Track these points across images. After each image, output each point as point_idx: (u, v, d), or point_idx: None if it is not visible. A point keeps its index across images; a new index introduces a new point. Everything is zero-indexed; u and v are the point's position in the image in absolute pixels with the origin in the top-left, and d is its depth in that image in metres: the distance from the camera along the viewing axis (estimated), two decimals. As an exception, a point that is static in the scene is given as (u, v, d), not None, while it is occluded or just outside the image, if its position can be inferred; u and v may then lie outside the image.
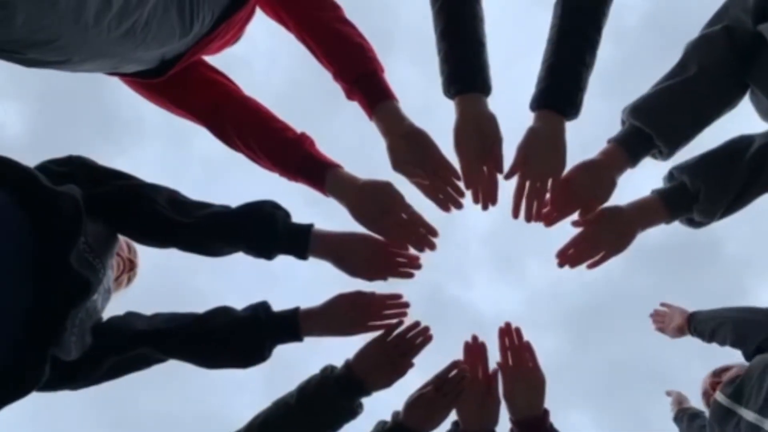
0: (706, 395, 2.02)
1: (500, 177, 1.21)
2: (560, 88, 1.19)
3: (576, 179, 1.20)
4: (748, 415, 1.65)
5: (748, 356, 1.86)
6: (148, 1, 0.98)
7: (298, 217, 1.26)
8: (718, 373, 2.01)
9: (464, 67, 1.20)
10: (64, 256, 0.68)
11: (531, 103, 1.22)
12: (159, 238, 1.22)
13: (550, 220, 1.23)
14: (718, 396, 1.83)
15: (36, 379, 0.75)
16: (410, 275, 1.27)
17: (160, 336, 1.20)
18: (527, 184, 1.19)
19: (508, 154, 1.21)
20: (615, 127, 1.26)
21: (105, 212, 1.08)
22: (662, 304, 2.31)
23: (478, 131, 1.18)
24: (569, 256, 1.24)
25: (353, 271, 1.25)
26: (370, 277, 1.26)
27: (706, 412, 2.03)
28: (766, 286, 5.01)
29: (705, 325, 2.06)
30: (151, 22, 1.01)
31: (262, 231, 1.19)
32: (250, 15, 1.29)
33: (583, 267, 1.25)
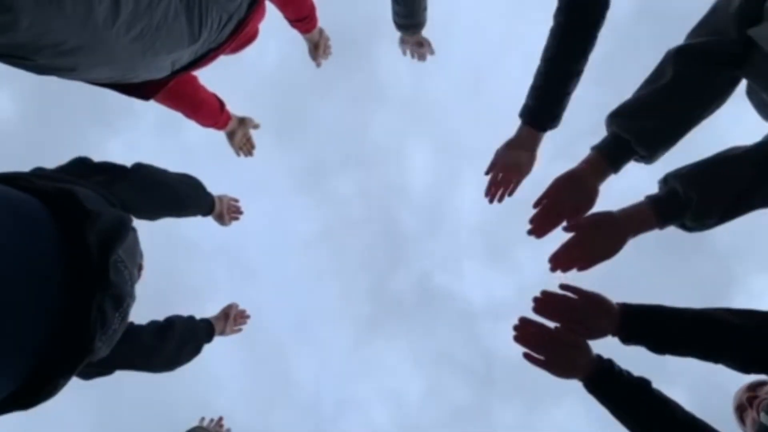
0: (740, 409, 1.89)
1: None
2: (541, 110, 1.42)
3: (559, 191, 1.26)
4: None
5: None
6: (157, 7, 0.97)
7: (292, 207, 1.25)
8: (754, 387, 1.79)
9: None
10: (102, 265, 0.67)
11: (519, 113, 1.46)
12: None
13: (539, 232, 1.29)
14: (765, 419, 1.61)
15: (51, 394, 0.76)
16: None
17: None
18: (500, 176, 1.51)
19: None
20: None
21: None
22: None
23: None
24: (561, 262, 1.27)
25: None
26: None
27: (739, 428, 1.92)
28: (755, 275, 5.05)
29: None
30: (161, 28, 1.01)
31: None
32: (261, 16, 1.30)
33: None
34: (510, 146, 1.50)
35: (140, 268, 1.38)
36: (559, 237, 1.26)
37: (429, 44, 2.13)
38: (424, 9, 1.94)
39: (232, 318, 2.10)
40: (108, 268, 0.64)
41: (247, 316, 2.20)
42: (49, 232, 0.61)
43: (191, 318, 1.93)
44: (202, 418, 2.20)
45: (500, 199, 1.54)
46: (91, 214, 0.64)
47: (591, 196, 1.24)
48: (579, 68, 1.37)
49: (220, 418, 2.22)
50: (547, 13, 1.34)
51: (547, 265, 1.28)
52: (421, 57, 2.18)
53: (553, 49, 1.36)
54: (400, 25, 2.00)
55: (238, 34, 1.20)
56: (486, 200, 1.55)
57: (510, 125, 1.38)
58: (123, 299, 0.72)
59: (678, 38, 1.25)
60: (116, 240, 0.68)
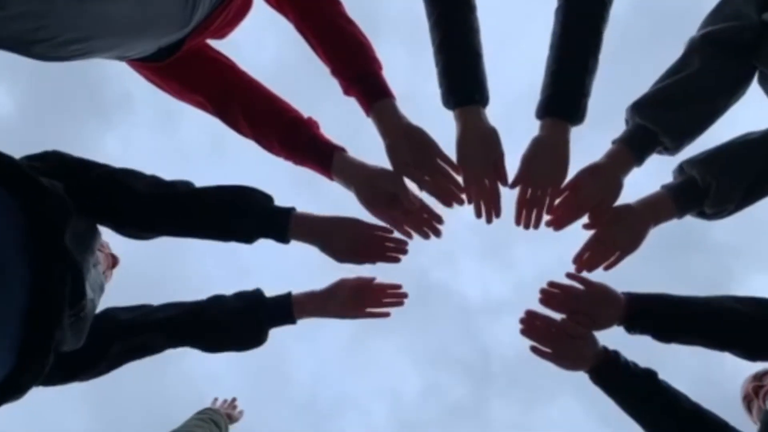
0: (747, 399, 1.83)
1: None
2: (565, 96, 1.20)
3: (583, 185, 1.21)
4: None
5: None
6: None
7: (288, 204, 1.24)
8: (759, 377, 1.79)
9: (463, 79, 1.22)
10: (59, 236, 0.68)
11: (537, 111, 1.23)
12: (141, 223, 1.19)
13: (559, 224, 1.24)
14: None
15: (37, 378, 0.77)
16: (397, 260, 1.27)
17: (164, 324, 1.25)
18: (529, 192, 1.22)
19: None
20: (604, 113, 1.25)
21: (85, 202, 1.06)
22: None
23: (481, 144, 1.20)
24: (585, 261, 1.26)
25: (339, 254, 1.24)
26: (357, 261, 1.25)
27: (747, 418, 1.92)
28: (754, 273, 5.06)
29: None
30: (158, 12, 1.00)
31: (242, 211, 1.20)
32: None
33: (569, 259, 1.27)
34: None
35: (115, 259, 1.36)
36: (555, 234, 1.25)
37: None
38: None
39: None
40: (65, 241, 0.65)
41: None
42: (7, 208, 0.61)
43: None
44: (215, 399, 2.12)
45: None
46: (45, 190, 0.65)
47: (615, 190, 1.21)
48: (594, 40, 1.23)
49: (234, 399, 2.16)
50: (545, 13, 1.32)
51: (543, 261, 1.28)
52: None
53: (561, 25, 1.24)
54: None
55: (219, 8, 1.16)
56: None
57: (509, 125, 1.35)
58: (81, 273, 0.72)
59: (674, 34, 1.25)
60: (67, 215, 0.69)
